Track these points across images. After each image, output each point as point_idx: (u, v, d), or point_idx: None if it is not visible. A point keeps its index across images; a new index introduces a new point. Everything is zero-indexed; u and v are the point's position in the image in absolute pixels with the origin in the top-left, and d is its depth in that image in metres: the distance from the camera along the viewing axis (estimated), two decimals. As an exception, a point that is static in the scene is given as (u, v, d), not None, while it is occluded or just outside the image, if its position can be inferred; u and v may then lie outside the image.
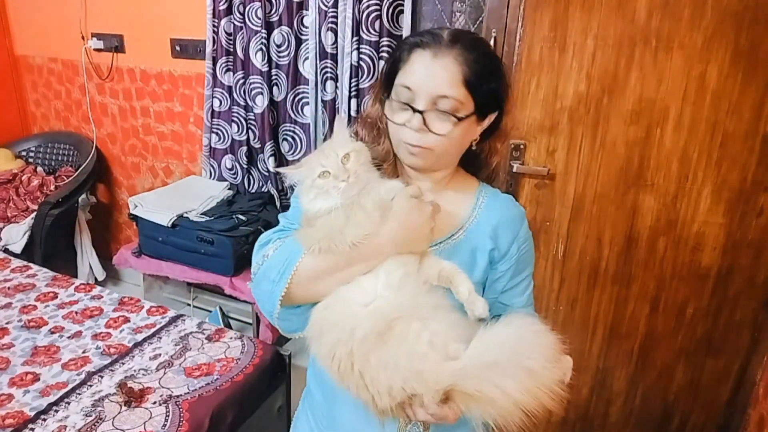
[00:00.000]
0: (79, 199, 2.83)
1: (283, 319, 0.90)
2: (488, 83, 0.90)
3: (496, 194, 1.04)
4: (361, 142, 0.95)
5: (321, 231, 0.85)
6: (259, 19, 2.21)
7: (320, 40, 2.14)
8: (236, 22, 2.29)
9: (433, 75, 0.87)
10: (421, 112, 0.87)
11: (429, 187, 0.91)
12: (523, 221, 1.02)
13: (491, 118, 0.95)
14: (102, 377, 1.60)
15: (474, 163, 1.03)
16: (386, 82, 0.94)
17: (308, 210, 0.88)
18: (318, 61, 2.18)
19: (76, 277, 2.63)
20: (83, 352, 1.72)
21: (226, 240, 2.19)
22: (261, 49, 2.24)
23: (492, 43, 1.72)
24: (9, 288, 2.07)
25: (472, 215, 0.99)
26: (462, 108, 0.88)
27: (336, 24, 2.06)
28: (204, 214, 2.31)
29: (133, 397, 1.50)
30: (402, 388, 0.78)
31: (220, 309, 2.41)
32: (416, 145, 0.90)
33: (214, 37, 2.35)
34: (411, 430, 0.95)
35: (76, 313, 1.93)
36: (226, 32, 2.32)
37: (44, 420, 1.44)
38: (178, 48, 2.59)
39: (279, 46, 2.26)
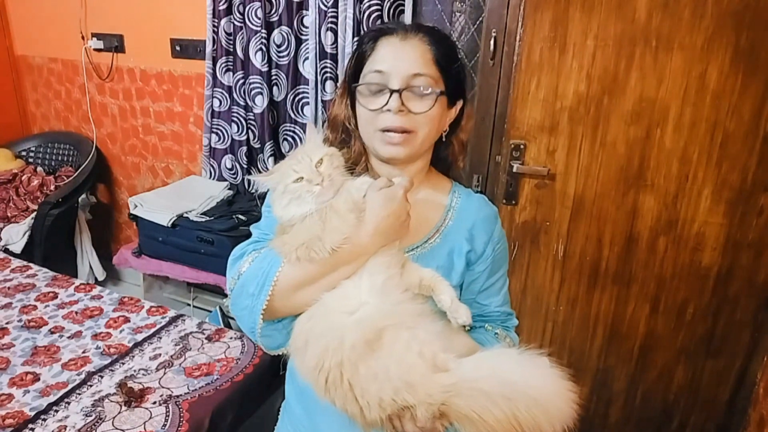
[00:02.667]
0: (79, 199, 2.83)
1: (265, 336, 0.86)
2: (454, 64, 0.93)
3: (469, 194, 1.03)
4: (332, 146, 0.94)
5: (298, 238, 0.83)
6: (259, 19, 2.21)
7: (320, 40, 2.14)
8: (236, 22, 2.29)
9: (404, 55, 0.89)
10: (398, 92, 0.87)
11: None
12: (497, 221, 1.02)
13: (458, 107, 0.97)
14: (102, 377, 1.60)
15: (443, 163, 1.04)
16: (352, 79, 0.94)
17: (282, 217, 0.86)
18: (318, 61, 2.18)
19: (76, 277, 2.63)
20: (83, 352, 1.72)
21: (226, 240, 2.19)
22: (261, 49, 2.24)
23: (492, 43, 1.72)
24: (9, 288, 2.07)
25: (447, 217, 0.98)
26: (436, 86, 0.90)
27: (336, 24, 2.06)
28: (204, 214, 2.31)
29: (133, 397, 1.50)
30: (393, 399, 0.76)
31: (220, 309, 2.40)
32: (397, 129, 0.88)
33: (214, 37, 2.35)
34: None
35: (76, 313, 1.93)
36: (226, 32, 2.32)
37: (44, 420, 1.44)
38: (178, 48, 2.59)
39: (279, 46, 2.26)
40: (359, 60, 0.93)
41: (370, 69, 0.90)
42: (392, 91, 0.87)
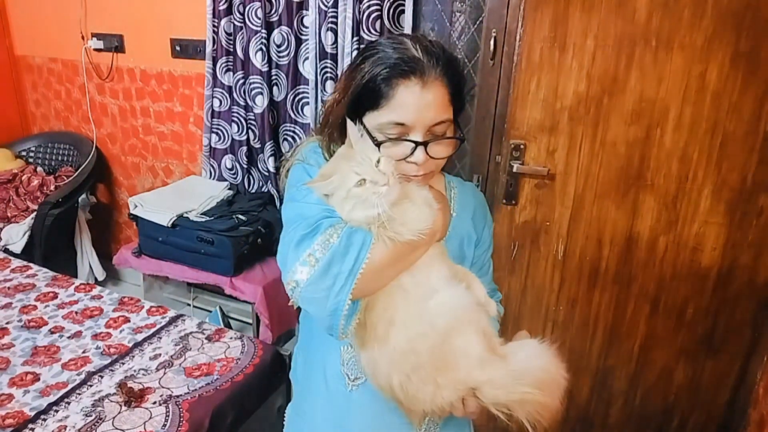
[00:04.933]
0: (79, 199, 2.83)
1: (349, 315, 0.80)
2: (463, 91, 0.91)
3: (461, 183, 1.07)
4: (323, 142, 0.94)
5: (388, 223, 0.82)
6: (259, 19, 2.21)
7: (320, 40, 2.14)
8: (236, 22, 2.29)
9: (427, 106, 0.84)
10: (423, 144, 0.85)
11: None
12: (486, 205, 1.09)
13: None
14: (102, 377, 1.61)
15: None
16: (359, 112, 0.88)
17: (349, 222, 0.83)
18: (318, 61, 2.18)
19: (76, 277, 2.63)
20: (83, 352, 1.73)
21: (226, 240, 2.19)
22: (261, 49, 2.24)
23: (492, 43, 1.72)
24: (9, 288, 2.07)
25: (450, 209, 1.00)
26: (451, 124, 0.89)
27: (336, 24, 2.06)
28: (204, 214, 2.31)
29: (133, 397, 1.50)
30: (465, 380, 0.81)
31: (220, 309, 2.41)
32: (420, 177, 0.88)
33: (214, 37, 2.35)
34: (427, 428, 0.98)
35: (76, 313, 1.93)
36: (226, 32, 2.32)
37: (44, 420, 1.44)
38: (178, 48, 2.59)
39: (279, 46, 2.26)
40: (372, 97, 0.85)
41: (389, 119, 0.84)
42: (417, 144, 0.84)
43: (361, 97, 0.87)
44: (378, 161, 0.81)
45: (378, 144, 0.86)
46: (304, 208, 0.86)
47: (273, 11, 2.23)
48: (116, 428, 1.41)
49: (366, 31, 2.01)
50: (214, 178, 2.61)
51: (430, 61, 0.83)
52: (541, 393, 0.80)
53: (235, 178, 2.56)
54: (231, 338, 1.81)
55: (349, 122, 0.84)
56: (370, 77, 0.85)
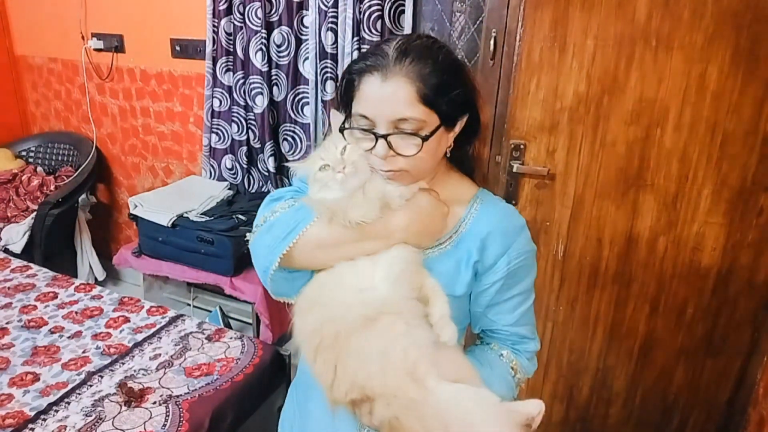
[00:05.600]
0: (79, 199, 2.83)
1: (275, 280, 0.88)
2: (449, 93, 0.85)
3: (494, 203, 0.97)
4: None
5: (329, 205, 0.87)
6: (259, 19, 2.21)
7: (320, 40, 2.14)
8: (236, 22, 2.29)
9: (386, 100, 0.82)
10: (384, 137, 0.83)
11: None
12: (520, 234, 0.94)
13: (463, 121, 0.91)
14: (102, 377, 1.61)
15: (465, 162, 0.99)
16: (343, 104, 0.90)
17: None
18: (318, 61, 2.18)
19: (76, 277, 2.63)
20: (83, 352, 1.73)
21: (226, 240, 2.19)
22: (261, 49, 2.24)
23: (492, 43, 1.72)
24: (9, 288, 2.07)
25: (462, 224, 0.94)
26: (426, 126, 0.84)
27: (336, 24, 2.07)
28: (204, 214, 2.31)
29: (133, 397, 1.50)
30: (363, 384, 0.78)
31: (220, 309, 2.41)
32: (388, 171, 0.86)
33: (214, 37, 2.35)
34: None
35: (76, 313, 1.93)
36: (226, 32, 2.32)
37: (44, 420, 1.44)
38: (178, 48, 2.59)
39: (279, 46, 2.26)
40: (348, 90, 0.88)
41: (356, 111, 0.86)
42: (378, 137, 0.84)
43: (343, 89, 0.91)
44: (344, 149, 0.85)
45: (341, 130, 0.89)
46: (293, 181, 1.01)
47: (273, 11, 2.23)
48: (116, 428, 1.41)
49: (366, 31, 2.01)
50: (214, 178, 2.61)
51: (398, 57, 0.83)
52: None
53: (235, 178, 2.56)
54: (231, 338, 1.81)
55: (332, 111, 0.91)
56: (347, 71, 0.90)
